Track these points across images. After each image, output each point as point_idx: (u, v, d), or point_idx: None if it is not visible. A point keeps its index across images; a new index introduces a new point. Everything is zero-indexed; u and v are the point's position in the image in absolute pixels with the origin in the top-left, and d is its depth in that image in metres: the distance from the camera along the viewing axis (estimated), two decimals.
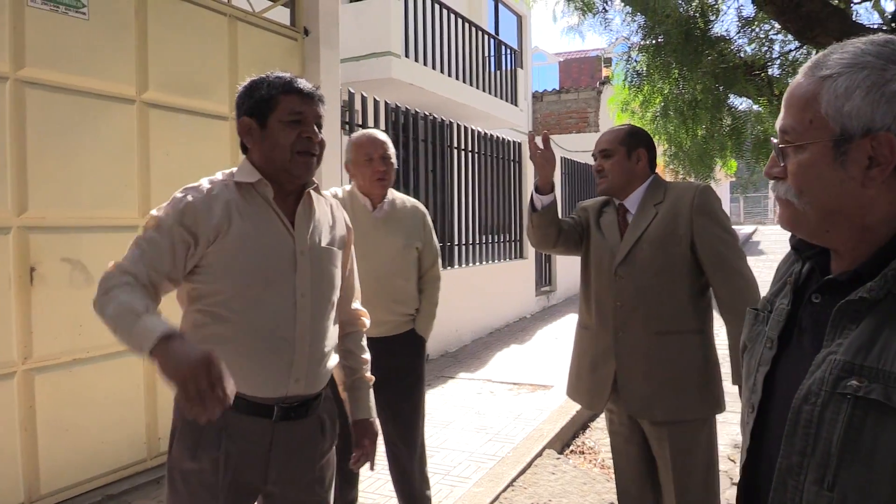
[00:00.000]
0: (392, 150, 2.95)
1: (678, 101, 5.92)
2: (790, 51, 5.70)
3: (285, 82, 1.77)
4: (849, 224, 0.98)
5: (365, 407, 2.09)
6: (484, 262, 8.81)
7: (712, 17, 5.69)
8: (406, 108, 7.05)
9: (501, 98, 12.21)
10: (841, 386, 0.91)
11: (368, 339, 2.81)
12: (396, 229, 2.96)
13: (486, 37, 11.95)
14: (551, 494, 3.88)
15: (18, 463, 3.30)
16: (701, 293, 2.52)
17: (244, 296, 1.72)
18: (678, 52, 5.25)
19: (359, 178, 2.92)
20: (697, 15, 5.47)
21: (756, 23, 5.60)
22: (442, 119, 7.79)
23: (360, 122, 6.21)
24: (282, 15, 5.10)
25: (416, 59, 9.35)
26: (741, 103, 6.71)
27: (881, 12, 5.66)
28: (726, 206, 34.09)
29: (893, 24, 4.52)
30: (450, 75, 10.21)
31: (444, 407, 5.43)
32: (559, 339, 8.09)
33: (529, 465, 4.21)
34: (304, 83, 1.80)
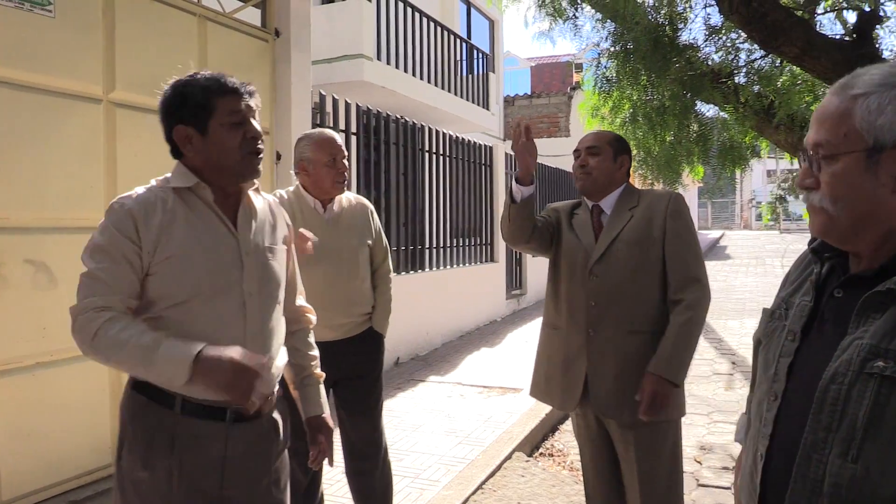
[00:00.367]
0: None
1: (647, 107, 6.01)
2: (756, 59, 5.80)
3: (220, 84, 1.74)
4: (875, 228, 1.09)
5: (317, 403, 2.10)
6: (455, 266, 8.83)
7: (680, 25, 5.78)
8: (378, 111, 7.04)
9: (473, 102, 12.25)
10: (868, 366, 1.02)
11: (327, 342, 2.81)
12: (348, 229, 2.94)
13: (458, 41, 12.00)
14: (520, 497, 3.90)
15: None
16: (666, 295, 2.57)
17: (192, 300, 1.70)
18: (647, 59, 5.33)
19: (317, 179, 2.85)
20: (666, 23, 5.55)
21: (723, 31, 5.70)
22: (413, 122, 7.80)
23: (332, 125, 6.19)
24: (253, 16, 5.07)
25: (389, 62, 9.35)
26: (708, 110, 6.82)
27: (844, 23, 5.79)
28: (695, 212, 34.55)
29: (855, 35, 4.62)
30: (422, 79, 10.22)
31: (415, 410, 5.43)
32: (529, 342, 8.12)
33: (499, 467, 4.23)
34: (233, 80, 1.77)
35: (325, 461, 2.08)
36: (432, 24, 10.66)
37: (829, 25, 5.99)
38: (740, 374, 6.86)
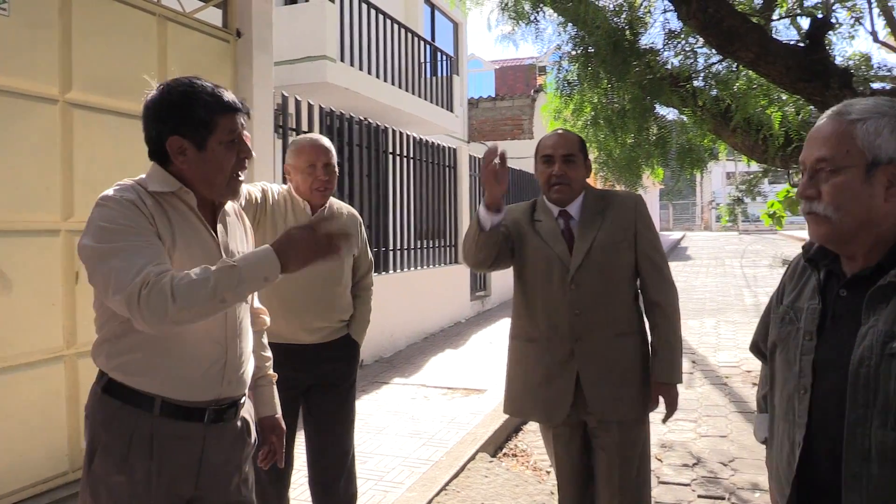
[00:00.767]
0: (335, 158, 2.88)
1: (608, 110, 6.09)
2: (713, 64, 5.92)
3: (223, 103, 1.72)
4: (869, 231, 1.32)
5: (271, 404, 2.14)
6: (419, 267, 8.84)
7: (640, 30, 5.87)
8: (341, 113, 7.02)
9: (437, 104, 12.27)
10: (888, 349, 1.25)
11: (303, 346, 2.81)
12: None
13: (422, 43, 12.00)
14: (484, 497, 3.92)
15: None
16: (637, 296, 2.64)
17: None
18: (607, 63, 5.40)
19: (296, 184, 2.85)
20: (626, 27, 5.63)
21: (682, 36, 5.80)
22: (377, 124, 7.79)
23: (294, 127, 6.16)
24: (214, 16, 5.02)
25: (352, 64, 9.32)
26: (667, 113, 6.93)
27: (798, 28, 5.93)
28: (656, 213, 35.03)
29: (808, 41, 4.74)
30: (385, 81, 10.21)
31: (379, 412, 5.42)
32: (493, 343, 8.17)
33: (462, 468, 4.25)
34: (234, 98, 1.76)
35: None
36: (396, 26, 10.65)
37: (785, 31, 6.13)
38: (700, 372, 6.98)
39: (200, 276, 1.52)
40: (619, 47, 5.36)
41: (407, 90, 10.93)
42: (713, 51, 5.38)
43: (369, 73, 9.74)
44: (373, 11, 9.88)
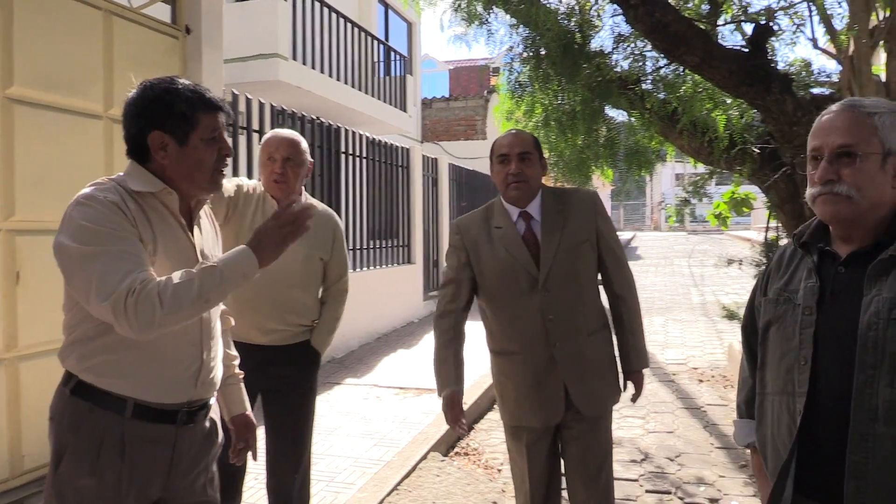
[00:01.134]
0: (301, 155, 2.82)
1: (558, 111, 6.14)
2: (661, 67, 6.03)
3: (205, 100, 1.74)
4: (874, 214, 1.47)
5: (241, 401, 2.16)
6: (372, 267, 8.81)
7: (591, 33, 5.95)
8: (293, 112, 6.96)
9: (390, 104, 12.26)
10: (894, 313, 1.38)
11: (257, 346, 2.78)
12: (300, 239, 2.91)
13: (375, 42, 11.98)
14: (436, 496, 3.94)
15: None
16: (599, 291, 2.70)
17: None
18: (557, 65, 5.45)
19: (262, 177, 2.84)
20: (576, 29, 5.69)
21: (630, 40, 5.90)
22: (330, 123, 7.74)
23: (245, 125, 6.09)
24: (162, 12, 4.93)
25: (305, 62, 9.25)
26: (617, 115, 7.04)
27: (743, 34, 6.08)
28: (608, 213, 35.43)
29: (751, 46, 4.87)
30: (338, 79, 10.16)
31: (330, 413, 5.39)
32: None
33: (414, 468, 4.26)
34: (215, 95, 1.78)
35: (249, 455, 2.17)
36: (349, 25, 10.60)
37: (730, 36, 6.28)
38: (648, 370, 7.10)
39: (185, 279, 1.56)
40: (569, 50, 5.42)
41: (360, 89, 10.90)
42: (660, 55, 5.49)
43: (322, 71, 9.68)
44: (326, 10, 9.82)
